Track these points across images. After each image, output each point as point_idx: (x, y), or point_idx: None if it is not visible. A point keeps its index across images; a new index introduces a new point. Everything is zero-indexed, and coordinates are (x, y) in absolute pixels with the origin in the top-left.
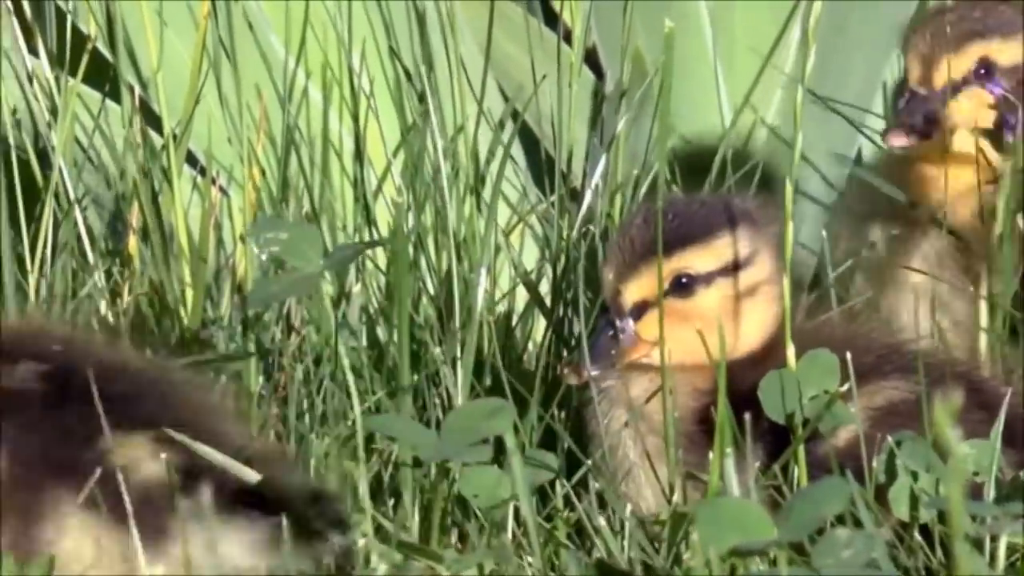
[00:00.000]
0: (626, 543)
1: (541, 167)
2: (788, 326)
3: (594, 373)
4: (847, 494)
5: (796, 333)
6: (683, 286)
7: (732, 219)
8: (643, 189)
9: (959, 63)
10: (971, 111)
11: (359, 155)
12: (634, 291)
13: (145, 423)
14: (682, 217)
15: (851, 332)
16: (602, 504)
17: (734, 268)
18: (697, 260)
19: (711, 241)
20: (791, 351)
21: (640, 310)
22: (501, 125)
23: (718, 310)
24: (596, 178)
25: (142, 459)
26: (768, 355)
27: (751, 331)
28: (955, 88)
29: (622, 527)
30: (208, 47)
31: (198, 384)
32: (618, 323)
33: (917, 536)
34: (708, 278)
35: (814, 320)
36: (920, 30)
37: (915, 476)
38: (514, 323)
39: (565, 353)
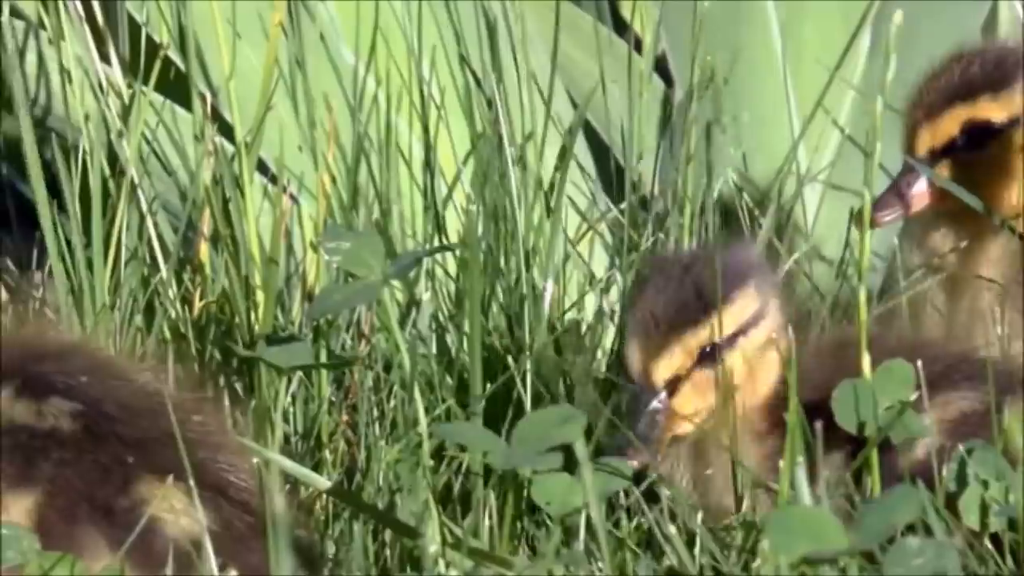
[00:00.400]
0: (697, 551)
1: (610, 175)
2: (863, 334)
3: (641, 460)
4: (919, 503)
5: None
6: (710, 355)
7: (745, 279)
8: (713, 196)
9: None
10: None
11: (428, 163)
12: (664, 369)
13: (175, 470)
14: (692, 285)
15: (919, 341)
16: (671, 512)
17: (751, 326)
18: (719, 326)
19: (728, 306)
20: (866, 361)
21: (673, 386)
22: (570, 133)
23: (743, 369)
24: (665, 186)
25: (176, 510)
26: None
27: (767, 379)
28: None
29: (691, 535)
30: (279, 55)
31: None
32: (653, 403)
33: (988, 544)
34: (731, 341)
35: (881, 329)
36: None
37: (985, 484)
38: (583, 331)
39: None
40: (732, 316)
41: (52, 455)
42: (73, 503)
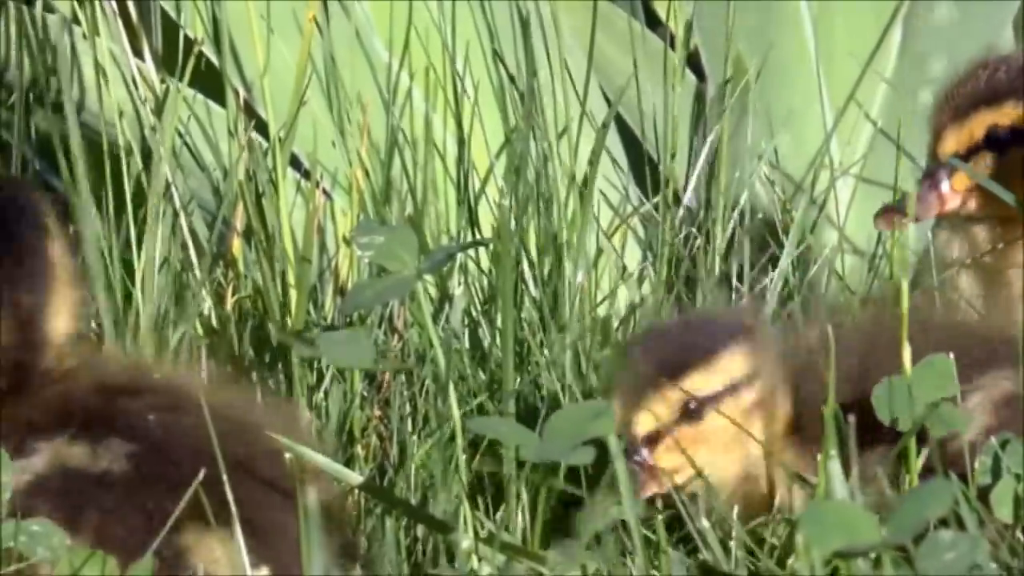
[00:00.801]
0: (732, 544)
1: (643, 170)
2: (904, 326)
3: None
4: (951, 496)
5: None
6: (693, 411)
7: (732, 339)
8: (746, 190)
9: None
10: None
11: (462, 158)
12: (644, 423)
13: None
14: (678, 343)
15: (959, 323)
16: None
17: (741, 386)
18: (702, 384)
19: (713, 364)
20: (907, 353)
21: (652, 440)
22: (603, 127)
23: (729, 432)
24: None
25: (219, 561)
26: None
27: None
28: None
29: (727, 531)
30: (313, 51)
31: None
32: (635, 456)
33: (1021, 536)
34: (714, 400)
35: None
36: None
37: (1018, 477)
38: (616, 325)
39: None
40: (718, 375)
41: (100, 502)
42: (117, 551)
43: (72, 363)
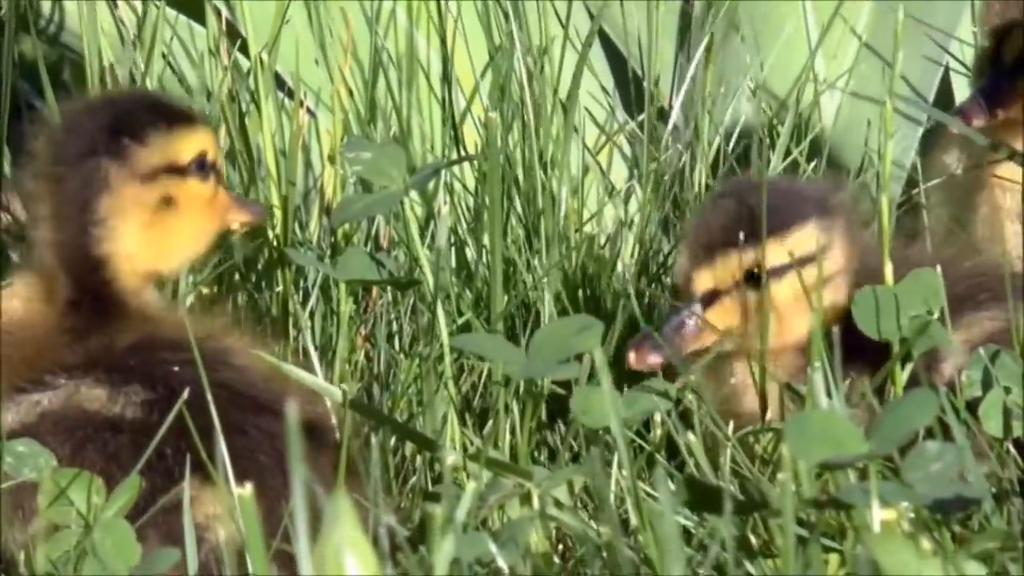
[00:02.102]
0: (722, 459)
1: (629, 88)
2: (886, 244)
3: (658, 360)
4: (936, 406)
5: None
6: (756, 278)
7: (808, 211)
8: (729, 109)
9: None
10: None
11: (447, 76)
12: (705, 280)
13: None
14: (752, 207)
15: (943, 261)
16: (688, 423)
17: (807, 261)
18: (770, 254)
19: (785, 235)
20: (888, 269)
21: (710, 298)
22: (587, 44)
23: (790, 301)
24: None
25: (215, 517)
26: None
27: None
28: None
29: (714, 444)
30: None
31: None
32: (687, 310)
33: (1011, 449)
34: (780, 272)
35: (906, 248)
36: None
37: (1007, 390)
38: (602, 243)
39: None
40: (786, 246)
41: (107, 446)
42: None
43: (151, 307)
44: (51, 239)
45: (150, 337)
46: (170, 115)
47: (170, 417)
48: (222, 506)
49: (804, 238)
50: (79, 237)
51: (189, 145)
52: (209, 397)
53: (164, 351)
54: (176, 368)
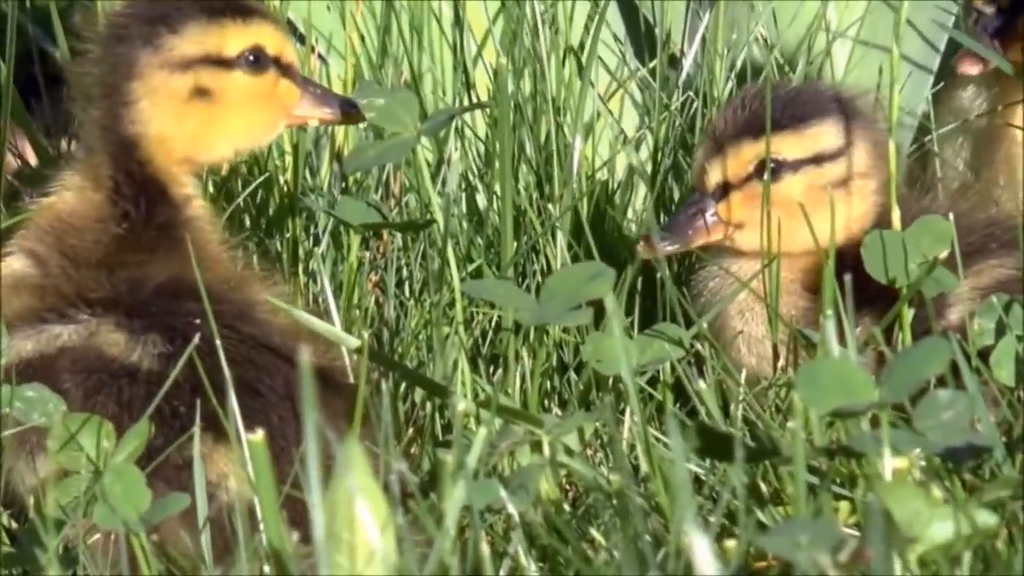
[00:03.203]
0: (733, 407)
1: (640, 35)
2: (893, 190)
3: (668, 248)
4: (948, 354)
5: (901, 208)
6: (773, 172)
7: (828, 109)
8: (741, 56)
9: None
10: None
11: (458, 21)
12: (718, 171)
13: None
14: (777, 103)
15: (955, 211)
16: (701, 371)
17: (825, 158)
18: (786, 146)
19: (802, 129)
20: (896, 215)
21: (723, 191)
22: None
23: (803, 198)
24: (696, 44)
25: (227, 475)
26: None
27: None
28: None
29: (725, 392)
30: None
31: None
32: (700, 203)
33: (1023, 396)
34: (795, 165)
35: (920, 200)
36: None
37: (1020, 339)
38: (614, 189)
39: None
40: (802, 141)
41: (121, 394)
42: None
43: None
44: (95, 120)
45: (177, 279)
46: (215, 8)
47: (176, 369)
48: (234, 464)
49: (821, 133)
50: (114, 118)
51: (237, 39)
52: (223, 361)
53: (189, 300)
54: (198, 321)
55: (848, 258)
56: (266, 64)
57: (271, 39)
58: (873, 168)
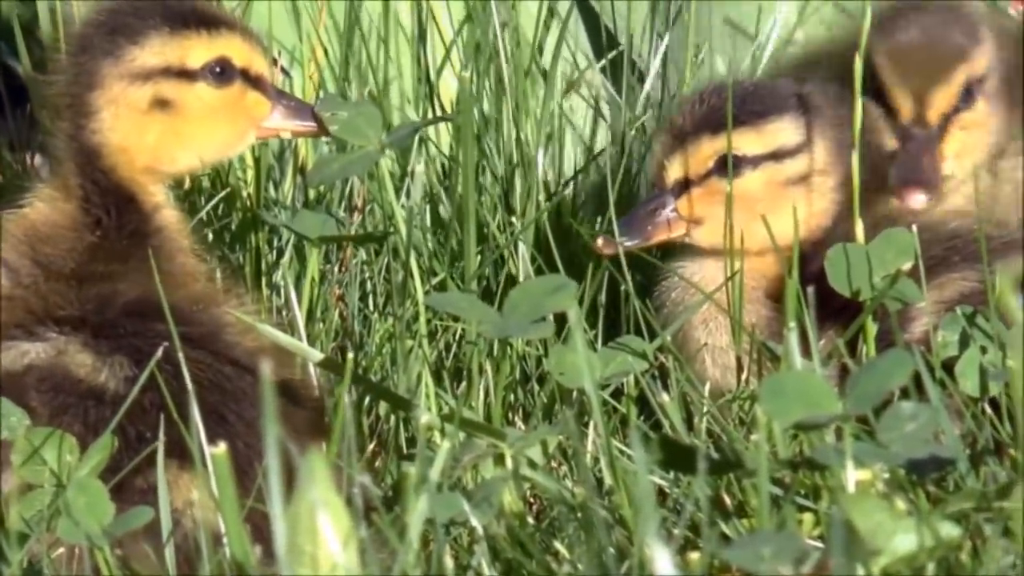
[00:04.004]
0: (697, 419)
1: (603, 47)
2: (856, 201)
3: (627, 244)
4: (911, 366)
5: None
6: (726, 167)
7: (787, 105)
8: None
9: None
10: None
11: (422, 34)
12: (677, 167)
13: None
14: (736, 98)
15: (918, 223)
16: (665, 383)
17: (784, 154)
18: (745, 142)
19: (762, 125)
20: (859, 227)
21: (681, 188)
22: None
23: (762, 195)
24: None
25: (191, 505)
26: (824, 248)
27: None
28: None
29: (688, 405)
30: None
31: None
32: (659, 199)
33: (988, 408)
34: (755, 161)
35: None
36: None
37: (983, 349)
38: (578, 202)
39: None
40: (762, 137)
41: (87, 416)
42: None
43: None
44: (61, 130)
45: (145, 298)
46: (180, 20)
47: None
48: (199, 490)
49: (780, 129)
50: (77, 128)
51: (201, 50)
52: (189, 385)
53: (158, 321)
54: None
55: (812, 268)
56: (232, 76)
57: (238, 51)
58: (832, 165)
